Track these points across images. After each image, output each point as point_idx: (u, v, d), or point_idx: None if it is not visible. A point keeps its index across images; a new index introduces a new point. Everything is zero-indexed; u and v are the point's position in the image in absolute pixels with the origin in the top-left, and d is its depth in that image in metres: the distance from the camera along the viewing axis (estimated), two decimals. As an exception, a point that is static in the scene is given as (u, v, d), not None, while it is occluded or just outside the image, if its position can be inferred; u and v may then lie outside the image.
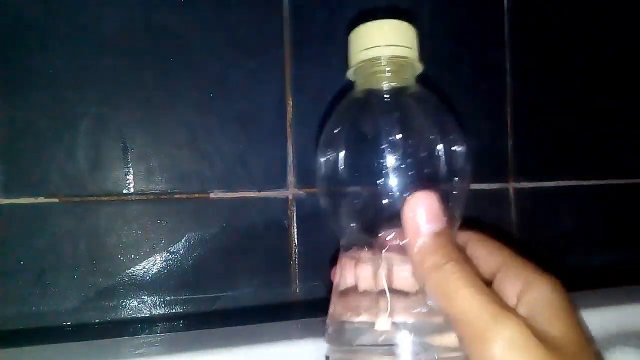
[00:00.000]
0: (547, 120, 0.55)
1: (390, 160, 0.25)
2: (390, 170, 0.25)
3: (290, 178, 0.46)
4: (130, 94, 0.42)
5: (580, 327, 0.23)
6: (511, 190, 0.53)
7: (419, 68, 0.28)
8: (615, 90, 0.58)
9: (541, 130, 0.55)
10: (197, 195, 0.43)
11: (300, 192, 0.46)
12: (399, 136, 0.25)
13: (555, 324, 0.23)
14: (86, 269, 0.41)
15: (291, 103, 0.46)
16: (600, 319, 0.37)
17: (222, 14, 0.44)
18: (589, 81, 0.57)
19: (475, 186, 0.52)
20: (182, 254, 0.43)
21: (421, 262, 0.23)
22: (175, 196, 0.43)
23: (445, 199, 0.25)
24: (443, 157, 0.26)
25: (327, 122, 0.29)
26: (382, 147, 0.25)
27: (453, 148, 0.26)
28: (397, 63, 0.27)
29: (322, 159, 0.28)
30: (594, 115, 0.57)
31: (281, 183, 0.46)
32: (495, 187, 0.53)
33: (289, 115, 0.46)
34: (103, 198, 0.41)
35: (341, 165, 0.27)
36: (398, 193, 0.25)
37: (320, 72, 0.47)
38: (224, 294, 0.44)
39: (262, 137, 0.45)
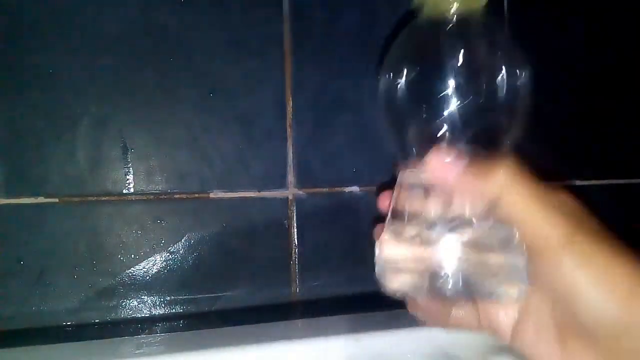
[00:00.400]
0: (546, 121, 0.55)
1: (453, 85, 0.25)
2: (452, 92, 0.25)
3: (290, 178, 0.46)
4: (130, 94, 0.42)
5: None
6: (511, 190, 0.53)
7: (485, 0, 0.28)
8: (615, 90, 0.58)
9: (541, 131, 0.55)
10: (197, 195, 0.43)
11: (300, 192, 0.46)
12: (462, 63, 0.26)
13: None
14: (86, 269, 0.41)
15: (291, 103, 0.46)
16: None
17: (222, 14, 0.44)
18: (588, 81, 0.57)
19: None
20: (182, 254, 0.43)
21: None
22: (175, 196, 0.43)
23: (500, 128, 0.27)
24: (505, 86, 0.27)
25: (393, 42, 0.29)
26: (446, 72, 0.26)
27: (516, 77, 0.27)
28: None
29: (385, 79, 0.28)
30: (594, 115, 0.57)
31: (281, 183, 0.46)
32: (495, 187, 0.53)
33: (289, 115, 0.46)
34: (103, 198, 0.41)
35: (404, 86, 0.27)
36: (458, 117, 0.25)
37: (320, 72, 0.47)
38: (224, 294, 0.44)
39: (262, 137, 0.45)
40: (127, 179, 0.42)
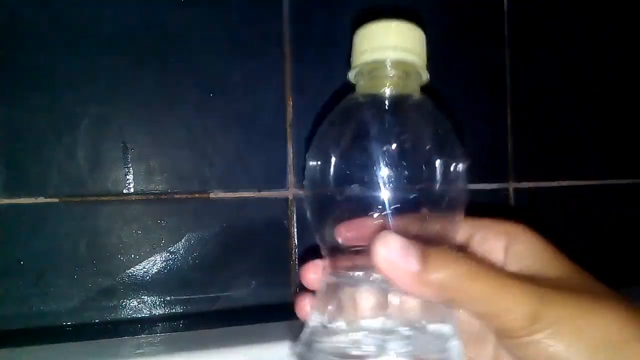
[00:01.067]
0: (547, 121, 0.55)
1: (384, 171, 0.24)
2: (382, 180, 0.24)
3: (290, 178, 0.46)
4: (130, 94, 0.42)
5: (577, 265, 0.24)
6: (511, 190, 0.53)
7: (424, 77, 0.27)
8: (615, 90, 0.58)
9: (541, 131, 0.55)
10: (197, 195, 0.43)
11: (300, 192, 0.46)
12: (394, 146, 0.24)
13: (556, 266, 0.24)
14: (86, 269, 0.41)
15: (291, 103, 0.46)
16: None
17: (222, 14, 0.44)
18: (588, 81, 0.57)
19: (475, 186, 0.52)
20: (182, 254, 0.43)
21: (425, 287, 0.22)
22: (175, 196, 0.43)
23: (440, 215, 0.24)
24: (439, 172, 0.24)
25: (322, 122, 0.28)
26: (377, 156, 0.24)
27: (452, 165, 0.25)
28: (403, 69, 0.26)
29: (312, 162, 0.27)
30: (594, 115, 0.57)
31: (281, 183, 0.46)
32: (495, 187, 0.53)
33: (289, 115, 0.46)
34: (103, 198, 0.41)
35: (333, 170, 0.25)
36: (389, 205, 0.24)
37: (320, 72, 0.47)
38: (224, 294, 0.44)
39: (262, 137, 0.45)
40: (127, 179, 0.42)
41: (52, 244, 0.40)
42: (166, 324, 0.42)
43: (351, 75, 0.27)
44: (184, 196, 0.43)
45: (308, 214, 0.27)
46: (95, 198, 0.41)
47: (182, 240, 0.43)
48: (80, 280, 0.40)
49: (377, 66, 0.26)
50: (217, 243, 0.44)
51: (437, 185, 0.24)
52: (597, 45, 0.58)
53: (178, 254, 0.43)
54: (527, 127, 0.54)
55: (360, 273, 0.25)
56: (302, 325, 0.36)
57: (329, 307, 0.25)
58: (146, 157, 0.42)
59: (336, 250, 0.26)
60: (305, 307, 0.28)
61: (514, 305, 0.21)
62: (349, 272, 0.25)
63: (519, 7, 0.54)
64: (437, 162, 0.24)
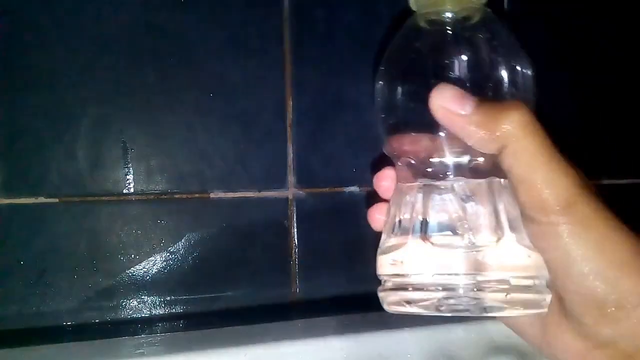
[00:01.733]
0: (546, 121, 0.55)
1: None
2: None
3: (290, 178, 0.46)
4: (130, 94, 0.42)
5: None
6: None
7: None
8: (616, 90, 0.58)
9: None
10: (197, 195, 0.44)
11: (300, 192, 0.46)
12: (464, 67, 0.25)
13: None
14: (86, 269, 0.41)
15: (291, 103, 0.46)
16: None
17: (222, 14, 0.44)
18: (588, 81, 0.57)
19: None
20: (182, 254, 0.43)
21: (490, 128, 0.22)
22: (175, 196, 0.43)
23: None
24: (509, 85, 0.25)
25: (387, 48, 0.28)
26: (446, 77, 0.24)
27: (521, 75, 0.26)
28: None
29: (381, 84, 0.27)
30: (594, 115, 0.57)
31: (281, 183, 0.46)
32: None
33: (289, 115, 0.46)
34: (103, 198, 0.41)
35: (403, 93, 0.26)
36: None
37: (320, 72, 0.47)
38: (224, 294, 0.44)
39: (262, 137, 0.45)
40: (127, 179, 0.42)
41: (52, 244, 0.40)
42: (166, 324, 0.42)
43: (412, 2, 0.27)
44: (184, 196, 0.43)
45: (381, 129, 0.28)
46: (95, 198, 0.41)
47: (182, 240, 0.43)
48: (80, 280, 0.40)
49: None
50: (217, 243, 0.44)
51: (508, 92, 0.25)
52: (597, 44, 0.58)
53: (178, 254, 0.43)
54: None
55: (435, 181, 0.25)
56: (302, 325, 0.36)
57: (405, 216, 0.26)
58: (146, 157, 0.42)
59: (410, 163, 0.27)
60: (379, 217, 0.29)
61: (557, 181, 0.21)
62: (423, 181, 0.25)
63: (518, 7, 0.54)
64: (506, 74, 0.25)
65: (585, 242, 0.21)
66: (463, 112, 0.22)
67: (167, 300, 0.43)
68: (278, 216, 0.46)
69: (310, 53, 0.47)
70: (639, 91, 0.59)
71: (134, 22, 0.42)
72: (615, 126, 0.58)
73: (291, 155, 0.46)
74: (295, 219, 0.46)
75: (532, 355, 0.36)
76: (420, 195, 0.25)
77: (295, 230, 0.46)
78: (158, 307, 0.42)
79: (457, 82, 0.24)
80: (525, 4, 0.54)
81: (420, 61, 0.26)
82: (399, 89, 0.26)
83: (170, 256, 0.43)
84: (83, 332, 0.40)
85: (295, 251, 0.46)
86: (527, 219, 0.23)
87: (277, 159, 0.46)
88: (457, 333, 0.37)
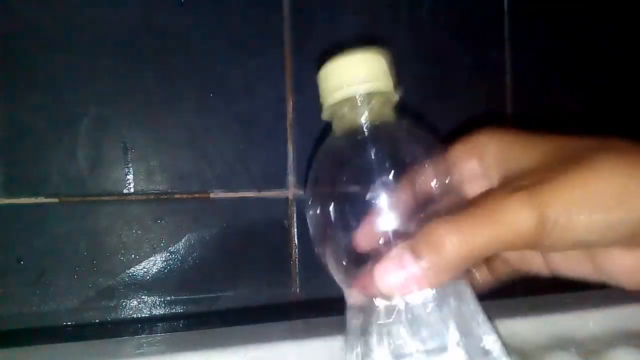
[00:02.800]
0: (546, 121, 0.55)
1: (382, 202, 0.24)
2: (382, 210, 0.24)
3: (290, 178, 0.46)
4: (130, 94, 0.42)
5: (559, 137, 0.25)
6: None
7: (396, 98, 0.27)
8: (616, 90, 0.58)
9: (541, 131, 0.55)
10: (197, 195, 0.43)
11: (300, 192, 0.46)
12: (384, 178, 0.24)
13: (533, 154, 0.25)
14: (86, 269, 0.41)
15: (291, 103, 0.46)
16: (601, 319, 0.37)
17: (222, 14, 0.44)
18: (589, 81, 0.57)
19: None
20: (182, 254, 0.43)
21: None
22: (175, 196, 0.43)
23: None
24: (435, 186, 0.25)
25: (310, 170, 0.28)
26: (369, 194, 0.24)
27: (441, 177, 0.25)
28: (374, 98, 0.26)
29: (311, 212, 0.27)
30: (594, 115, 0.57)
31: (281, 183, 0.46)
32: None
33: (289, 115, 0.46)
34: (103, 198, 0.41)
35: (332, 216, 0.25)
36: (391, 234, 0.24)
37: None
38: (224, 294, 0.44)
39: (262, 137, 0.45)
40: (127, 179, 0.42)
41: (52, 244, 0.40)
42: (166, 324, 0.42)
43: (325, 115, 0.28)
44: (184, 196, 0.43)
45: (323, 258, 0.27)
46: (95, 198, 0.41)
47: (182, 240, 0.43)
48: (80, 280, 0.40)
49: (346, 103, 0.26)
50: (217, 243, 0.44)
51: (433, 197, 0.25)
52: (597, 44, 0.58)
53: (178, 254, 0.43)
54: (527, 127, 0.54)
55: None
56: (302, 325, 0.36)
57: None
58: (146, 157, 0.42)
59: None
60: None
61: (517, 227, 0.21)
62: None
63: (518, 7, 0.54)
64: (431, 179, 0.25)
65: (583, 225, 0.21)
66: (413, 273, 0.21)
67: (167, 300, 0.43)
68: (278, 216, 0.46)
69: (310, 53, 0.47)
70: (639, 91, 0.59)
71: (134, 22, 0.42)
72: (616, 126, 0.58)
73: (291, 155, 0.46)
74: (295, 219, 0.46)
75: (533, 355, 0.36)
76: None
77: (295, 230, 0.46)
78: (158, 307, 0.42)
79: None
80: (525, 4, 0.54)
81: (347, 175, 0.25)
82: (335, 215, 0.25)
83: (170, 256, 0.43)
84: (83, 332, 0.40)
85: (295, 251, 0.46)
86: (532, 251, 0.23)
87: (277, 159, 0.46)
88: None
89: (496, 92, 0.53)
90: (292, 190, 0.46)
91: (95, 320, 0.41)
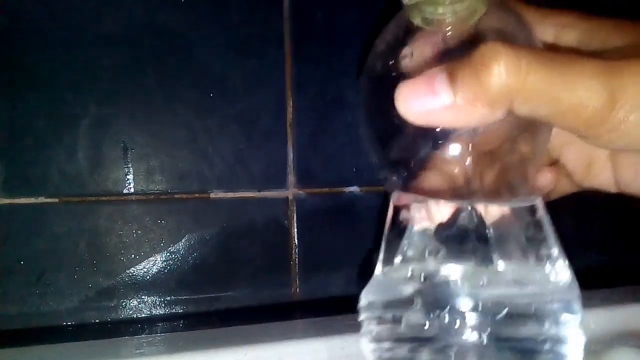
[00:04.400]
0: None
1: None
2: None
3: (290, 178, 0.46)
4: (130, 94, 0.42)
5: None
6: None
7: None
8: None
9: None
10: (197, 195, 0.43)
11: (300, 192, 0.46)
12: None
13: (619, 35, 0.21)
14: (86, 269, 0.41)
15: (291, 103, 0.46)
16: (601, 319, 0.37)
17: (222, 14, 0.44)
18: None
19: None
20: (182, 254, 0.43)
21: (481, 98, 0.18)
22: (175, 196, 0.43)
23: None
24: None
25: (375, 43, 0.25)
26: None
27: None
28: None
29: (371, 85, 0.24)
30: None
31: (281, 183, 0.46)
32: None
33: (289, 115, 0.46)
34: (103, 198, 0.41)
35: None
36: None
37: (320, 72, 0.47)
38: (224, 294, 0.44)
39: (262, 137, 0.45)
40: (127, 179, 0.42)
41: (52, 244, 0.40)
42: (166, 324, 0.42)
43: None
44: (184, 196, 0.43)
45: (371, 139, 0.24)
46: (95, 198, 0.41)
47: (182, 240, 0.43)
48: (80, 280, 0.40)
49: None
50: (217, 243, 0.44)
51: None
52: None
53: (178, 254, 0.43)
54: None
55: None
56: (302, 325, 0.36)
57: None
58: (146, 157, 0.42)
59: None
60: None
61: (585, 94, 0.17)
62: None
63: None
64: None
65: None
66: (442, 101, 0.18)
67: (167, 300, 0.43)
68: (278, 216, 0.46)
69: (310, 53, 0.47)
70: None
71: (134, 22, 0.42)
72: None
73: (291, 155, 0.46)
74: (295, 219, 0.46)
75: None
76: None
77: (295, 230, 0.46)
78: (158, 307, 0.42)
79: None
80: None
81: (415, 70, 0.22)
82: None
83: (170, 256, 0.43)
84: (83, 332, 0.40)
85: (295, 251, 0.46)
86: (584, 137, 0.19)
87: (277, 159, 0.46)
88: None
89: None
90: (292, 190, 0.46)
91: (95, 320, 0.41)
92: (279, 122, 0.46)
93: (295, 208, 0.46)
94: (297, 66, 0.46)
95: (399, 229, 0.24)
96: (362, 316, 0.24)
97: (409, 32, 0.23)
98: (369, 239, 0.48)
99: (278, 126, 0.46)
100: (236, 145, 0.44)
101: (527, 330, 0.20)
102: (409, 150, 0.22)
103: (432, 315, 0.21)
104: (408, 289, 0.22)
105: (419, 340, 0.21)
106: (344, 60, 0.47)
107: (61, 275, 0.40)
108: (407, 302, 0.22)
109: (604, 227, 0.57)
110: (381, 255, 0.24)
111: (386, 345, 0.22)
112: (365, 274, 0.47)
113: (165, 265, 0.43)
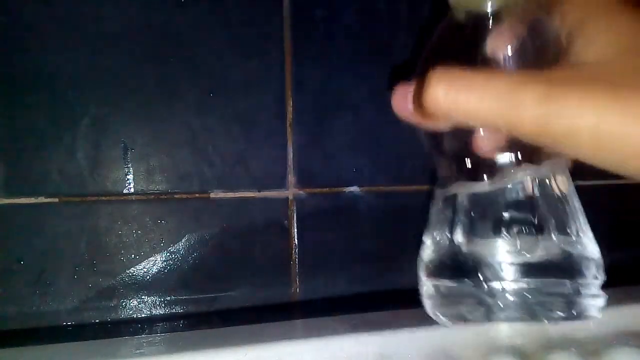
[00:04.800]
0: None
1: None
2: None
3: (290, 178, 0.46)
4: (130, 94, 0.42)
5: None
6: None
7: None
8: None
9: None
10: (197, 195, 0.43)
11: (300, 192, 0.46)
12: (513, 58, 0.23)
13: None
14: (86, 269, 0.41)
15: (291, 103, 0.46)
16: (601, 319, 0.37)
17: (222, 14, 0.44)
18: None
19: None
20: (182, 254, 0.43)
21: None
22: (175, 196, 0.43)
23: None
24: None
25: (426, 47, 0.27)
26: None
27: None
28: None
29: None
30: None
31: (281, 183, 0.46)
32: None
33: (289, 115, 0.46)
34: (103, 198, 0.41)
35: None
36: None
37: (320, 72, 0.47)
38: (224, 294, 0.44)
39: (262, 137, 0.45)
40: (127, 179, 0.42)
41: (52, 244, 0.40)
42: (166, 324, 0.42)
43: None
44: (184, 196, 0.43)
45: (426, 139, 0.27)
46: (95, 198, 0.41)
47: (182, 240, 0.43)
48: (80, 280, 0.40)
49: None
50: (217, 243, 0.44)
51: None
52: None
53: (178, 254, 0.43)
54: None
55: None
56: (302, 325, 0.36)
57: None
58: (146, 157, 0.42)
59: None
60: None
61: (520, 94, 0.20)
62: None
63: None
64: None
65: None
66: (409, 109, 0.23)
67: (167, 300, 0.43)
68: (278, 216, 0.46)
69: (310, 53, 0.47)
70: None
71: (134, 22, 0.42)
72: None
73: (291, 155, 0.46)
74: (295, 219, 0.46)
75: (534, 355, 0.36)
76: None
77: (295, 230, 0.46)
78: (158, 307, 0.42)
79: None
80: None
81: (467, 56, 0.25)
82: None
83: (170, 256, 0.43)
84: (83, 332, 0.40)
85: (295, 251, 0.46)
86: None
87: (277, 159, 0.46)
88: (457, 333, 0.37)
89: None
90: (292, 190, 0.46)
91: (95, 320, 0.41)
92: (279, 122, 0.46)
93: (295, 208, 0.46)
94: (297, 66, 0.46)
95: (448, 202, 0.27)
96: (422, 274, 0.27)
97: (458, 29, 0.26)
98: (369, 239, 0.48)
99: (278, 126, 0.46)
100: (236, 145, 0.44)
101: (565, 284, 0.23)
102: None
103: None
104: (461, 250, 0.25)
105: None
106: (344, 60, 0.47)
107: (61, 275, 0.40)
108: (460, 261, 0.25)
109: (604, 227, 0.57)
110: (432, 226, 0.27)
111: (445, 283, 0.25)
112: (364, 274, 0.47)
113: (165, 265, 0.43)
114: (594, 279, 0.25)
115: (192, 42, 0.43)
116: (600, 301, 0.25)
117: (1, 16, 0.39)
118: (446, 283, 0.25)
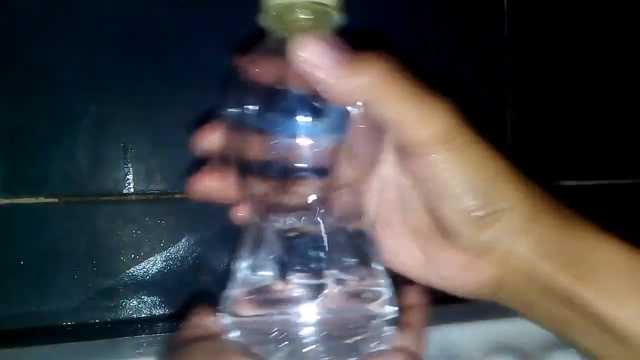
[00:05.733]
0: (547, 121, 0.55)
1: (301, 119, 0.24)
2: (300, 129, 0.23)
3: (290, 178, 0.46)
4: (130, 94, 0.42)
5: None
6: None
7: (337, 18, 0.27)
8: (617, 89, 0.58)
9: (541, 131, 0.55)
10: (197, 195, 0.43)
11: (300, 192, 0.46)
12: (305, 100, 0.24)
13: None
14: (86, 269, 0.41)
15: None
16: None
17: (222, 14, 0.44)
18: (590, 80, 0.57)
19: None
20: (182, 254, 0.43)
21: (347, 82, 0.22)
22: (175, 196, 0.43)
23: None
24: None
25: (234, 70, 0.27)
26: (291, 112, 0.24)
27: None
28: (314, 10, 0.26)
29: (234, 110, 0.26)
30: (595, 114, 0.57)
31: (281, 183, 0.46)
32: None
33: (289, 115, 0.46)
34: (103, 198, 0.41)
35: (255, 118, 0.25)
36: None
37: (320, 72, 0.47)
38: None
39: (262, 137, 0.45)
40: (127, 179, 0.42)
41: (52, 244, 0.40)
42: (166, 324, 0.42)
43: (261, 20, 0.27)
44: (184, 196, 0.43)
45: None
46: (95, 198, 0.41)
47: (182, 240, 0.43)
48: (80, 280, 0.40)
49: (286, 9, 0.26)
50: (217, 243, 0.44)
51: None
52: (598, 43, 0.58)
53: (178, 254, 0.43)
54: (526, 127, 0.54)
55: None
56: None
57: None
58: (146, 157, 0.42)
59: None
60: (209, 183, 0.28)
61: (432, 119, 0.22)
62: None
63: (519, 7, 0.54)
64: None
65: (460, 167, 0.22)
66: (325, 66, 0.22)
67: (167, 300, 0.43)
68: (278, 216, 0.45)
69: (310, 53, 0.46)
70: (639, 92, 0.59)
71: (134, 22, 0.42)
72: (616, 126, 0.58)
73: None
74: (295, 219, 0.46)
75: (533, 355, 0.36)
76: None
77: (296, 230, 0.46)
78: (158, 307, 0.42)
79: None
80: (525, 3, 0.54)
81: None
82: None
83: (170, 256, 0.43)
84: (83, 332, 0.40)
85: (295, 251, 0.46)
86: (402, 155, 0.23)
87: (277, 159, 0.45)
88: (457, 333, 0.37)
89: (496, 92, 0.53)
90: (292, 190, 0.46)
91: (95, 320, 0.41)
92: (279, 122, 0.46)
93: (295, 208, 0.46)
94: (297, 66, 0.46)
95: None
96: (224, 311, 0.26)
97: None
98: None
99: (278, 126, 0.46)
100: (236, 145, 0.44)
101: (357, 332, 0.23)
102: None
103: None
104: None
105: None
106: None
107: (61, 275, 0.40)
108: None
109: (604, 227, 0.57)
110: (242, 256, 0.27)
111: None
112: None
113: (165, 265, 0.43)
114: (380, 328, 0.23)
115: (192, 41, 0.43)
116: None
117: (1, 16, 0.39)
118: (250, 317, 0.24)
